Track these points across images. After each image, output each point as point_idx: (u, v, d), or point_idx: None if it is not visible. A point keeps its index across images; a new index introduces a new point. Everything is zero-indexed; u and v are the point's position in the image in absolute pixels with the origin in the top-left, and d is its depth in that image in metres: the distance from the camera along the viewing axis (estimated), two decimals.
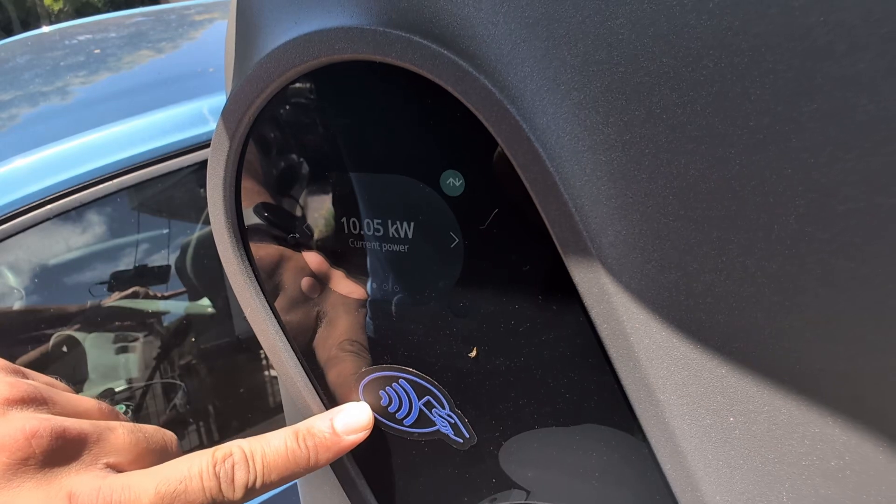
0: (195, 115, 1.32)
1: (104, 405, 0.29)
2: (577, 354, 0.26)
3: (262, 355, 1.46)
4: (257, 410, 1.35)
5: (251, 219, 0.30)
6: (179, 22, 2.03)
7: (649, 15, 0.21)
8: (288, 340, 0.32)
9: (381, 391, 0.30)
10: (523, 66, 0.23)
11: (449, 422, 0.29)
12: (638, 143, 0.22)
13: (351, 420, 0.30)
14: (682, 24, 0.21)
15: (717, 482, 0.25)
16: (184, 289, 1.43)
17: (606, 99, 0.22)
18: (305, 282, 0.30)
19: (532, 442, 0.29)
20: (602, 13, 0.22)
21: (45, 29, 2.15)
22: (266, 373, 1.45)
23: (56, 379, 0.30)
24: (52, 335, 1.34)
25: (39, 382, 0.28)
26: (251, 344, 1.40)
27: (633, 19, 0.22)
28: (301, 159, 0.28)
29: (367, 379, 0.31)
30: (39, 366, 1.31)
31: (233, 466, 0.27)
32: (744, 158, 0.21)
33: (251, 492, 0.27)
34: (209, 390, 1.35)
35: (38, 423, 0.24)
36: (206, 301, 1.47)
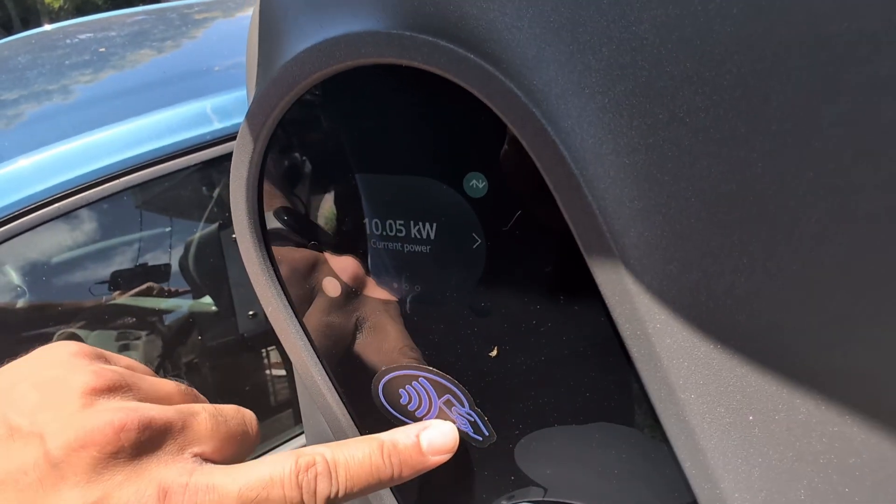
0: (199, 115, 1.32)
1: (183, 386, 0.29)
2: (597, 354, 0.26)
3: (265, 353, 1.46)
4: (260, 408, 1.36)
5: (275, 223, 0.30)
6: (182, 21, 2.03)
7: (673, 20, 0.22)
8: (310, 341, 0.32)
9: (400, 389, 0.31)
10: (548, 70, 0.23)
11: (469, 420, 0.30)
12: (661, 146, 0.23)
13: (439, 439, 0.29)
14: (706, 30, 0.21)
15: (736, 479, 0.25)
16: (188, 287, 1.44)
17: (630, 102, 0.23)
18: (327, 283, 0.30)
19: (550, 440, 0.29)
20: (626, 18, 0.22)
21: (48, 27, 2.15)
22: (268, 371, 1.46)
23: (136, 360, 0.30)
24: (54, 333, 1.34)
25: (122, 367, 0.28)
26: (254, 342, 1.40)
27: (657, 24, 0.22)
28: (325, 162, 0.28)
29: (387, 377, 0.31)
30: None
31: (315, 477, 0.26)
32: (766, 161, 0.22)
33: (331, 502, 0.26)
34: (212, 388, 1.36)
35: (126, 414, 0.24)
36: (208, 299, 1.47)
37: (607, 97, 0.23)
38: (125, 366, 0.29)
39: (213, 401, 0.29)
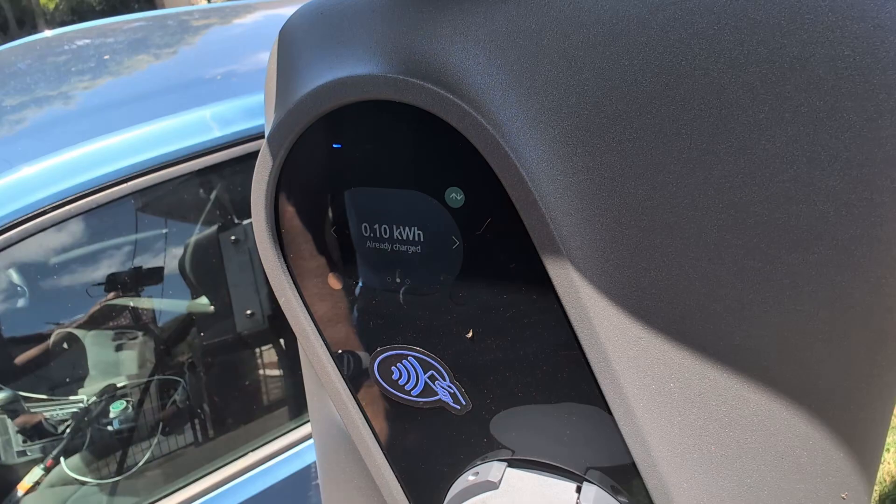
0: (200, 123, 1.37)
1: None
2: (552, 335, 0.32)
3: (259, 353, 1.51)
4: (257, 403, 1.41)
5: (288, 227, 0.36)
6: (180, 28, 2.08)
7: (607, 71, 0.28)
8: (316, 327, 0.38)
9: (392, 367, 0.37)
10: (511, 108, 0.30)
11: (449, 391, 0.36)
12: (599, 169, 0.29)
13: None
14: (632, 80, 0.28)
15: (661, 436, 0.31)
16: (185, 287, 1.49)
17: (575, 135, 0.29)
18: (331, 278, 0.36)
19: (517, 409, 0.35)
20: (572, 68, 0.29)
21: (48, 33, 2.19)
22: (261, 371, 1.51)
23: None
24: (52, 333, 1.38)
25: None
26: (252, 341, 1.45)
27: (595, 73, 0.28)
28: (331, 177, 0.34)
29: (381, 357, 0.37)
30: (41, 362, 1.36)
31: None
32: (678, 181, 0.28)
33: None
34: (207, 386, 1.41)
35: None
36: (205, 300, 1.52)
37: (557, 130, 0.29)
38: None
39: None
